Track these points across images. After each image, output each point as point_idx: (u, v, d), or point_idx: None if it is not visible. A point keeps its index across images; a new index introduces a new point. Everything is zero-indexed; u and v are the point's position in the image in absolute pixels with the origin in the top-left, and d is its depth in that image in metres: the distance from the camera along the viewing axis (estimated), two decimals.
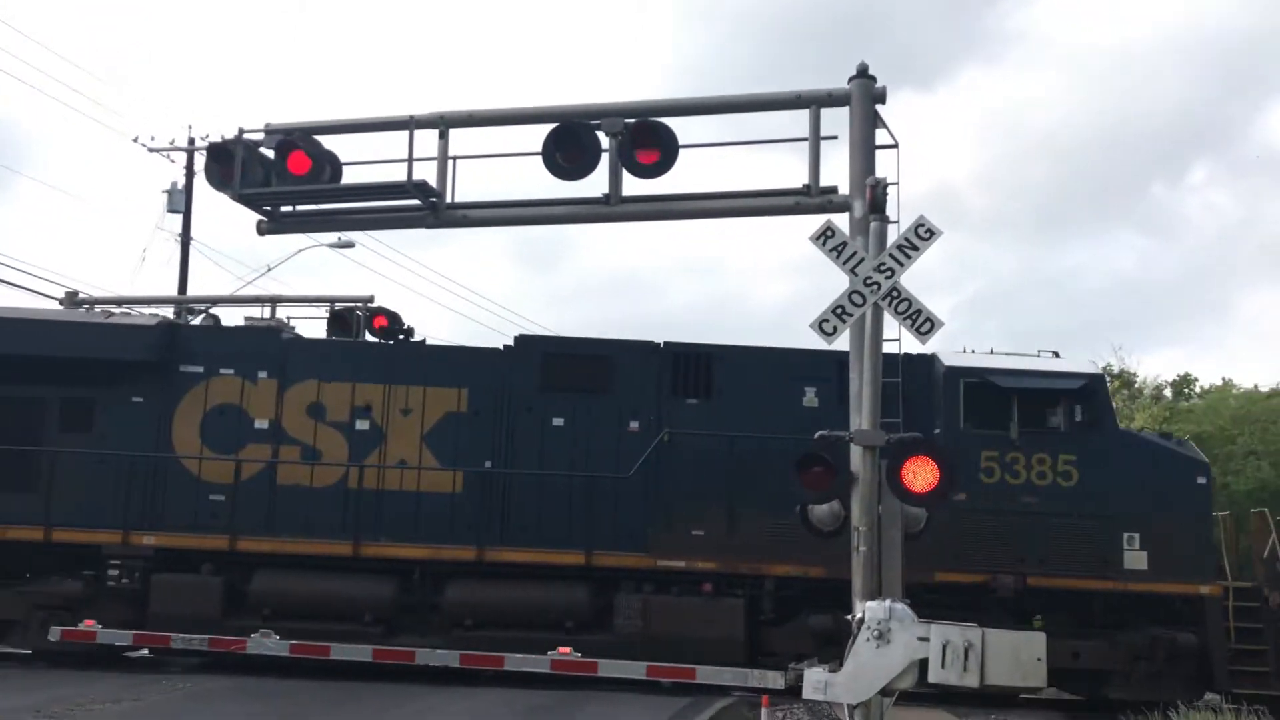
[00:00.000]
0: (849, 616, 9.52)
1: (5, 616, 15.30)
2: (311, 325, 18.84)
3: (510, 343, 16.23)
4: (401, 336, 16.52)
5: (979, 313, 74.90)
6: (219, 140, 12.50)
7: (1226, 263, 74.25)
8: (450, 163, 11.96)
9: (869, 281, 9.58)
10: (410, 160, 11.72)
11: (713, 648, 14.48)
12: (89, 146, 75.01)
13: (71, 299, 20.80)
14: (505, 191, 13.73)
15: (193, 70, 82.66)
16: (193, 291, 27.74)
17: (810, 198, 11.21)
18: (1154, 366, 79.07)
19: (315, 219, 13.08)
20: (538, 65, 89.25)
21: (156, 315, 16.99)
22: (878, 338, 9.69)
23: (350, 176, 12.39)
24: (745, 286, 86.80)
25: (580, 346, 16.08)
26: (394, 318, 18.21)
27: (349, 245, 29.15)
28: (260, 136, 12.08)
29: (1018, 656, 8.55)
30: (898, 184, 10.24)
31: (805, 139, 11.32)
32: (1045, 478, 14.87)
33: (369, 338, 17.94)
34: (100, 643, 14.81)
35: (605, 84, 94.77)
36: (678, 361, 15.69)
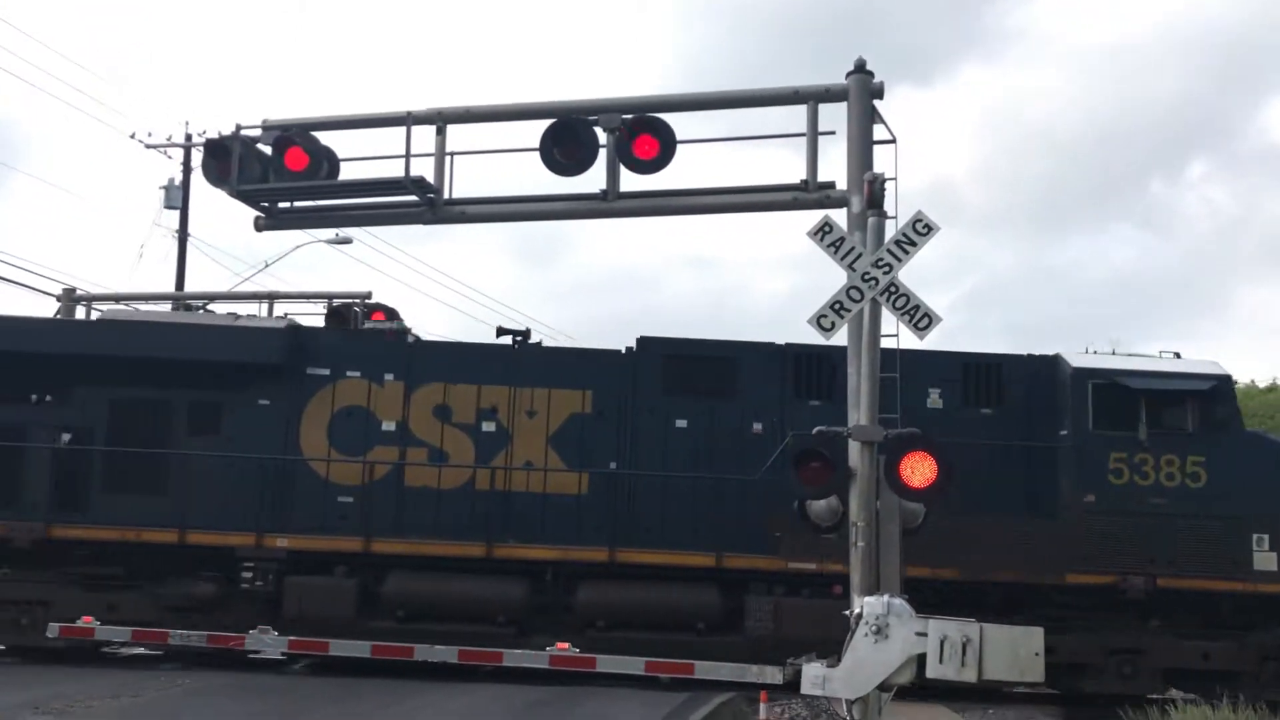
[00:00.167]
0: (846, 612, 9.52)
1: (138, 619, 15.20)
2: (309, 321, 18.82)
3: (631, 344, 16.25)
4: (520, 339, 16.51)
5: (977, 307, 75.02)
6: (216, 136, 12.49)
7: (1224, 258, 74.37)
8: (448, 158, 11.95)
9: (867, 277, 9.57)
10: (408, 156, 11.70)
11: (835, 649, 14.52)
12: (86, 143, 74.98)
13: (69, 295, 20.77)
14: (503, 187, 13.73)
15: (191, 67, 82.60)
16: (190, 287, 27.70)
17: (808, 193, 11.21)
18: None
19: (313, 215, 13.05)
20: (535, 62, 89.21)
21: (283, 317, 17.06)
22: (875, 333, 9.68)
23: (348, 172, 12.37)
24: (744, 282, 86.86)
25: (702, 348, 16.14)
26: (391, 313, 18.19)
27: (347, 241, 29.15)
28: (257, 132, 12.05)
29: (1016, 651, 8.55)
30: (896, 179, 10.21)
31: (803, 134, 11.31)
32: (1174, 479, 14.93)
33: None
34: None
35: (603, 81, 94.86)
36: (800, 363, 15.76)
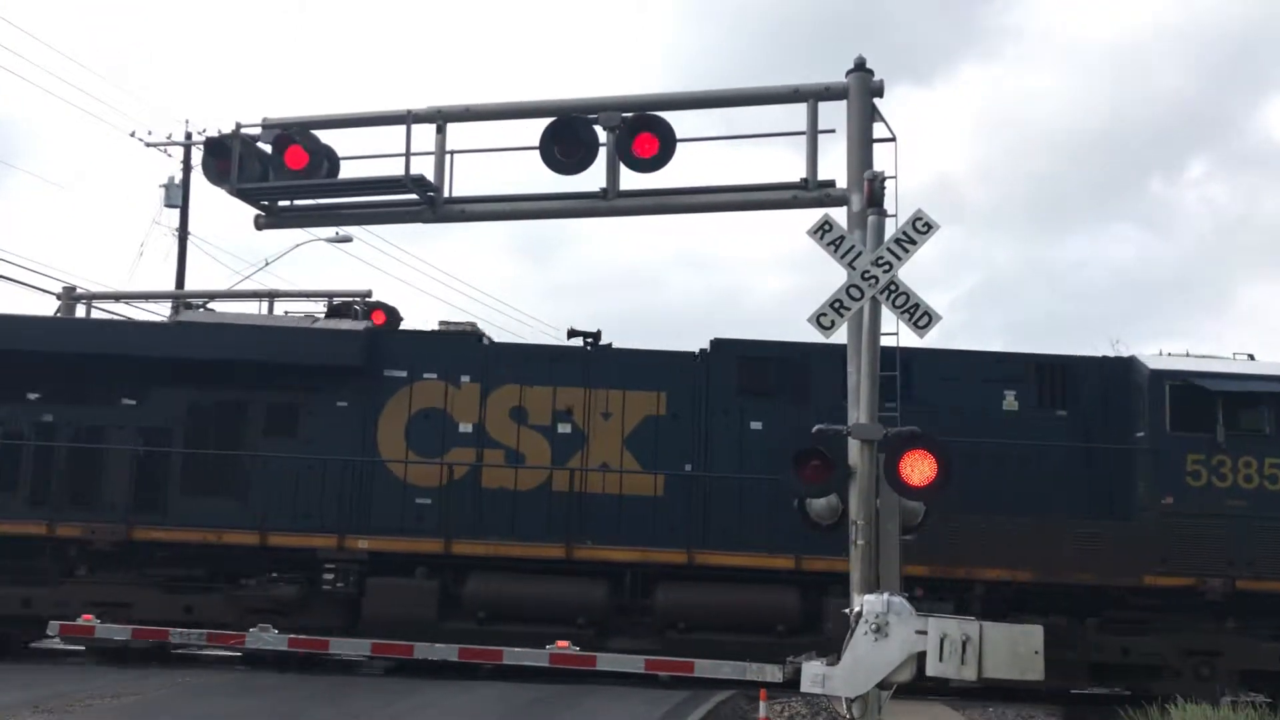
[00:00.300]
0: (845, 610, 9.52)
1: (218, 620, 15.15)
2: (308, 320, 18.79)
3: (706, 346, 16.25)
4: (591, 341, 16.55)
5: (977, 306, 74.94)
6: (216, 135, 12.49)
7: (1225, 257, 74.31)
8: (448, 157, 11.95)
9: (867, 275, 9.57)
10: (408, 155, 11.71)
11: None
12: (86, 142, 74.90)
13: (69, 294, 20.79)
14: (503, 186, 13.72)
15: (191, 66, 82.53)
16: (190, 286, 27.70)
17: (808, 192, 11.21)
18: None
19: (313, 214, 13.05)
20: (535, 61, 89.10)
21: (361, 321, 17.12)
22: (875, 332, 9.68)
23: (348, 171, 12.38)
24: (745, 280, 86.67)
25: (776, 350, 16.13)
26: (392, 312, 18.21)
27: (347, 240, 29.15)
28: (257, 131, 12.05)
29: (1015, 649, 8.55)
30: (895, 178, 10.23)
31: (803, 133, 11.31)
32: (1252, 481, 14.92)
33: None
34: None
35: (603, 80, 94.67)
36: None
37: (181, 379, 15.92)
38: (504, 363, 16.26)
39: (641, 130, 11.43)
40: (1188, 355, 16.09)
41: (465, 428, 15.92)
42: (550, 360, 16.39)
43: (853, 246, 9.71)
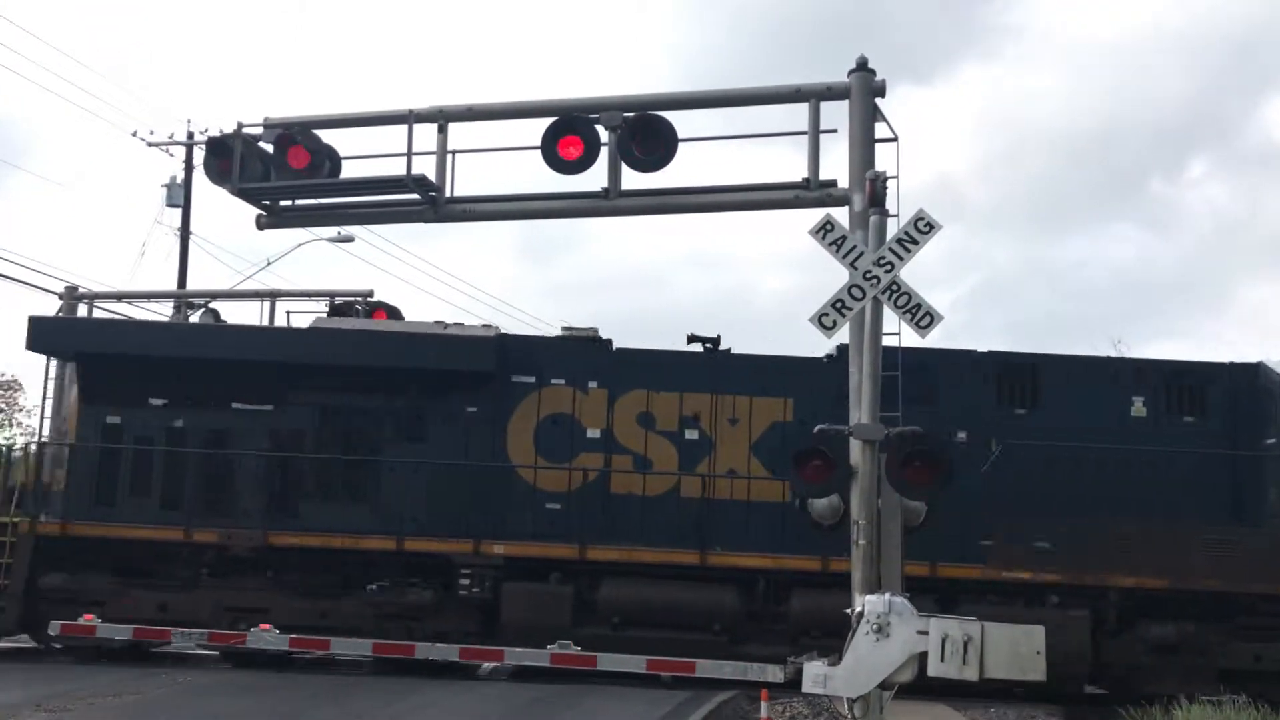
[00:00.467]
0: (847, 610, 9.51)
1: (351, 625, 15.17)
2: (309, 320, 18.78)
3: (833, 351, 15.90)
4: (710, 346, 16.50)
5: (978, 306, 74.98)
6: (218, 135, 12.49)
7: (1225, 257, 74.32)
8: (449, 157, 11.95)
9: (868, 275, 9.56)
10: (409, 155, 11.70)
11: (1058, 660, 14.49)
12: (88, 142, 74.99)
13: (71, 294, 20.77)
14: (505, 186, 13.71)
15: (192, 66, 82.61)
16: (192, 286, 27.70)
17: (810, 191, 11.20)
18: None
19: (314, 213, 13.06)
20: (537, 61, 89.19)
21: (490, 327, 17.14)
22: (877, 332, 9.68)
23: (349, 171, 12.38)
24: (750, 279, 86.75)
25: (903, 355, 16.06)
26: (393, 312, 18.19)
27: (349, 240, 29.13)
28: (259, 131, 12.06)
29: (1016, 650, 8.54)
30: (897, 177, 10.23)
31: (805, 133, 11.30)
32: None
33: None
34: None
35: (605, 80, 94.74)
36: (1003, 371, 15.74)
37: (314, 385, 15.96)
38: (630, 368, 16.18)
39: (643, 130, 11.42)
40: None
41: (593, 433, 15.93)
42: (676, 366, 16.27)
43: (854, 246, 9.71)
